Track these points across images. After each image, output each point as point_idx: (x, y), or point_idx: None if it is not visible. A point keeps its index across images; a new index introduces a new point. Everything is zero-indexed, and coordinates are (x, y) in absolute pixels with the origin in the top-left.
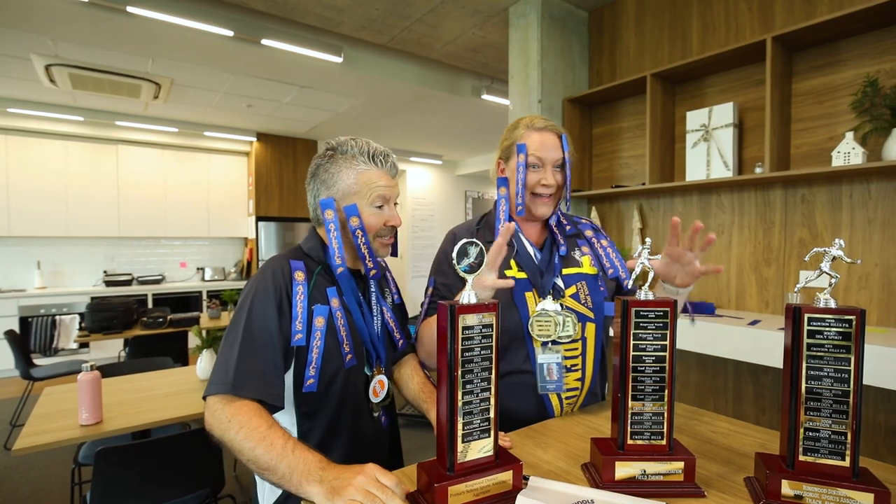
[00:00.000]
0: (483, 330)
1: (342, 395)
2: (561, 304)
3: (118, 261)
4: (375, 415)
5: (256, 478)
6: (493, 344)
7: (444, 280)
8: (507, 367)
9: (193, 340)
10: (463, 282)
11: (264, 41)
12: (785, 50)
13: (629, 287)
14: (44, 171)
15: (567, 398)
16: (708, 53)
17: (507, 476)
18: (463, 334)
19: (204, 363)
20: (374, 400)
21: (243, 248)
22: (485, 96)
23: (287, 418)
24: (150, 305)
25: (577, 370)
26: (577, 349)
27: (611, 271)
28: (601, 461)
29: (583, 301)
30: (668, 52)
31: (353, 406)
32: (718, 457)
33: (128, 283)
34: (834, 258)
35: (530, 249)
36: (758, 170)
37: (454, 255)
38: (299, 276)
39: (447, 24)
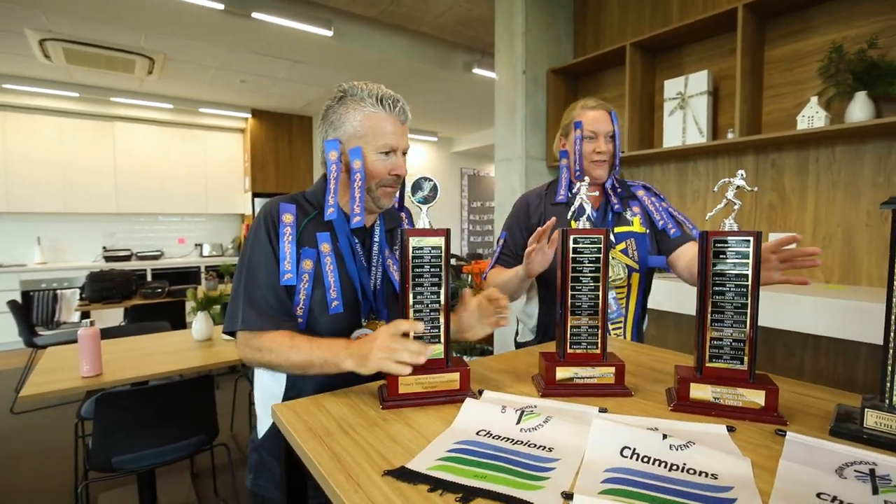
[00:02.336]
0: (432, 251)
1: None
2: (611, 256)
3: (117, 237)
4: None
5: (258, 410)
6: (442, 263)
7: (512, 238)
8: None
9: (191, 305)
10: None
11: (255, 14)
12: (757, 18)
13: (674, 234)
14: (41, 147)
15: (613, 330)
16: (685, 22)
17: (454, 376)
18: (413, 254)
19: (199, 324)
20: None
21: (240, 225)
22: (476, 70)
23: None
24: (149, 279)
25: (622, 309)
26: (623, 292)
27: (660, 223)
28: (545, 367)
29: (630, 255)
30: (650, 23)
31: None
32: (650, 377)
33: (127, 258)
34: (738, 187)
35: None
36: (729, 135)
37: (409, 188)
38: (287, 218)
39: None
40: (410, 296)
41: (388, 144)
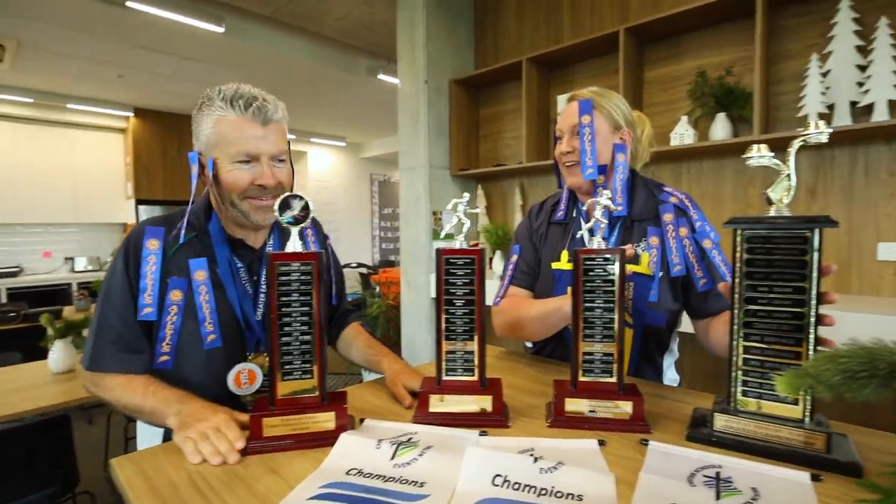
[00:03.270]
0: (302, 277)
1: (205, 377)
2: None
3: None
4: (249, 408)
5: (139, 442)
6: (313, 290)
7: (526, 252)
8: (556, 354)
9: (48, 335)
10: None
11: (130, 3)
12: (637, 41)
13: (703, 287)
14: None
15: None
16: (575, 41)
17: (328, 416)
18: (279, 280)
19: (57, 354)
20: (237, 391)
21: (121, 235)
22: (381, 76)
23: None
24: (3, 300)
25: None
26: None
27: (677, 268)
28: (420, 396)
29: (624, 305)
30: (545, 39)
31: (216, 393)
32: (536, 391)
33: None
34: (605, 206)
35: (586, 237)
36: None
37: (276, 206)
38: (152, 244)
39: None
40: (276, 328)
41: (245, 151)
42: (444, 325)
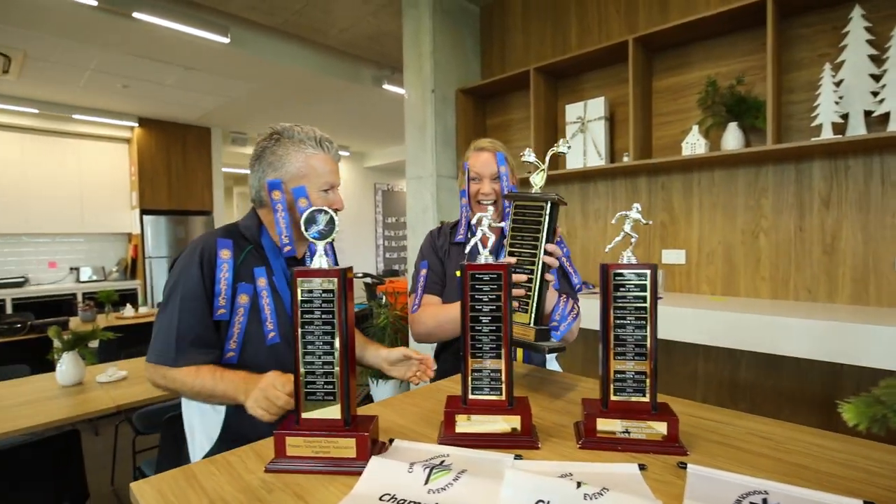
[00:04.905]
0: (323, 295)
1: (265, 370)
2: None
3: None
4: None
5: (187, 434)
6: (335, 309)
7: (433, 265)
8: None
9: (56, 347)
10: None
11: (136, 14)
12: (646, 51)
13: (555, 285)
14: None
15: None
16: (582, 51)
17: (349, 443)
18: (302, 298)
19: (66, 367)
20: None
21: (126, 245)
22: (386, 86)
23: None
24: (9, 311)
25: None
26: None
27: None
28: (445, 416)
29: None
30: (551, 49)
31: None
32: (561, 409)
33: None
34: (634, 220)
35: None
36: (625, 158)
37: (302, 221)
38: (224, 254)
39: (339, 11)
40: (300, 347)
41: (329, 182)
42: (469, 343)
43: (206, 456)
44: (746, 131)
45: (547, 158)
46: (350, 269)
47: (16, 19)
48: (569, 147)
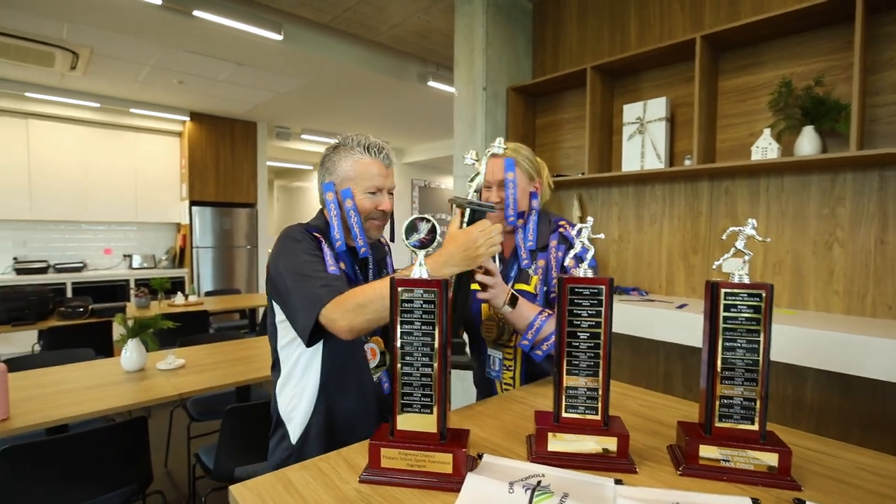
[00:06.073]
0: (424, 305)
1: (343, 350)
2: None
3: (31, 246)
4: (375, 378)
5: (283, 417)
6: (436, 320)
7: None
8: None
9: (119, 330)
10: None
11: (196, 13)
12: (712, 49)
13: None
14: None
15: (504, 390)
16: (644, 49)
17: (445, 458)
18: (402, 307)
19: (130, 353)
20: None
21: (176, 235)
22: (431, 83)
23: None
24: (69, 295)
25: (510, 370)
26: (511, 354)
27: (553, 282)
28: (537, 433)
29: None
30: (608, 47)
31: (356, 364)
32: (646, 428)
33: (43, 270)
34: (748, 237)
35: (496, 259)
36: (687, 162)
37: (403, 230)
38: (317, 239)
39: (392, 7)
40: (398, 357)
41: (375, 185)
42: (565, 360)
43: (299, 441)
44: (824, 136)
45: (484, 160)
46: (449, 280)
47: (86, 17)
48: (505, 148)
